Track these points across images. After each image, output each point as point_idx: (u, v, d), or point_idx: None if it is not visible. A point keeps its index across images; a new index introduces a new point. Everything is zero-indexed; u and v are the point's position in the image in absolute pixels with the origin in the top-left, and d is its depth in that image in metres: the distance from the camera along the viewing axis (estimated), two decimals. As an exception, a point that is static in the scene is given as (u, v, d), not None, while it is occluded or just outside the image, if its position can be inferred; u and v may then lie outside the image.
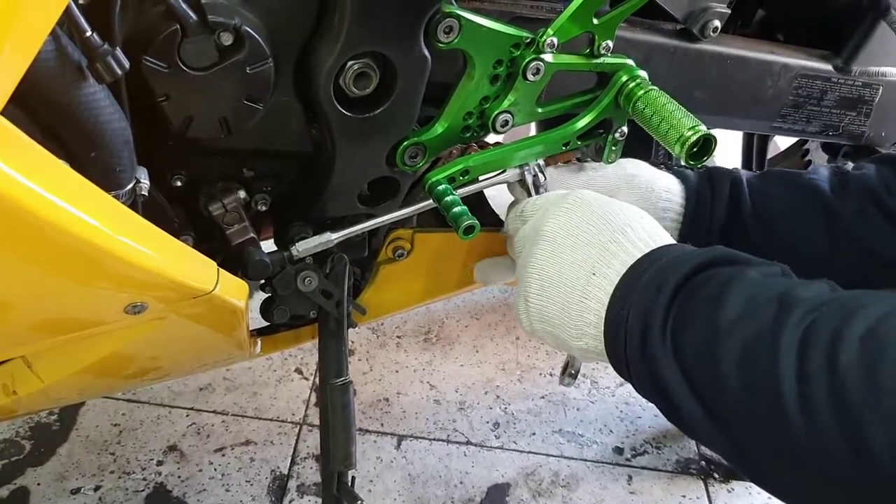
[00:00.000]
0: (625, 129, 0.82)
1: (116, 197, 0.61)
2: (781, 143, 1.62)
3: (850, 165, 0.87)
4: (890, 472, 0.42)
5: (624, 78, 0.78)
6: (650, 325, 0.55)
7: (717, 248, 0.59)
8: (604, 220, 0.65)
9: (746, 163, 1.44)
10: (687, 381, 0.53)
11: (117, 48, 0.53)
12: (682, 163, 0.76)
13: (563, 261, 0.65)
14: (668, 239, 0.64)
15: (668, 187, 0.85)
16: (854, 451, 0.44)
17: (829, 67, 1.02)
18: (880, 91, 1.05)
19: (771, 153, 1.51)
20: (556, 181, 0.84)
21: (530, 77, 0.74)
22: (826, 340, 0.46)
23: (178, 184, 0.76)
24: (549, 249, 0.66)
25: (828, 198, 0.82)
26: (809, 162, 1.38)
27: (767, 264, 0.58)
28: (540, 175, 0.82)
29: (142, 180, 0.65)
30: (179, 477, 1.29)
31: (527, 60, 0.73)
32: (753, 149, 1.42)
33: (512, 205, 0.84)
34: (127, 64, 0.54)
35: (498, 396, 1.51)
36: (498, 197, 0.91)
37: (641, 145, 1.13)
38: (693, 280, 0.56)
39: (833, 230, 0.80)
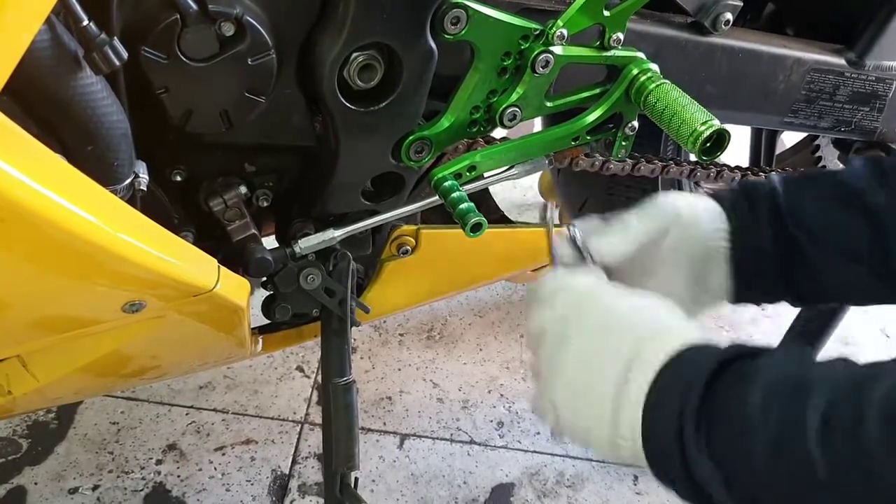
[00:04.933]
0: (635, 123, 0.81)
1: (114, 192, 0.60)
2: (788, 139, 1.61)
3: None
4: None
5: (635, 71, 0.77)
6: (685, 432, 0.56)
7: (733, 346, 0.60)
8: (627, 330, 0.64)
9: (755, 158, 1.43)
10: (722, 477, 0.54)
11: (115, 38, 0.52)
12: (694, 157, 0.74)
13: (591, 374, 0.64)
14: (685, 335, 0.63)
15: (711, 216, 0.78)
16: None
17: (842, 62, 1.00)
18: (894, 86, 1.04)
19: (778, 149, 1.49)
20: (599, 241, 0.76)
21: (539, 70, 0.73)
22: (847, 420, 0.48)
23: (178, 179, 0.74)
24: (576, 360, 0.65)
25: (867, 199, 0.77)
26: (820, 158, 1.37)
27: (783, 351, 0.58)
28: (579, 237, 0.73)
29: (140, 175, 0.63)
30: (179, 476, 1.28)
31: (535, 53, 0.72)
32: (762, 144, 1.41)
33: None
34: (125, 54, 0.53)
35: (502, 395, 1.50)
36: (502, 193, 0.90)
37: (650, 140, 1.11)
38: (716, 383, 0.57)
39: (876, 228, 0.77)
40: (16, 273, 0.51)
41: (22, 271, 0.51)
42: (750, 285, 0.77)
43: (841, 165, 1.38)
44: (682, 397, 0.57)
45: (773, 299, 0.79)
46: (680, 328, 0.65)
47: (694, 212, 0.78)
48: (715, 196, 0.80)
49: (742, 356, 0.58)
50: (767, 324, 1.74)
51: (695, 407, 0.56)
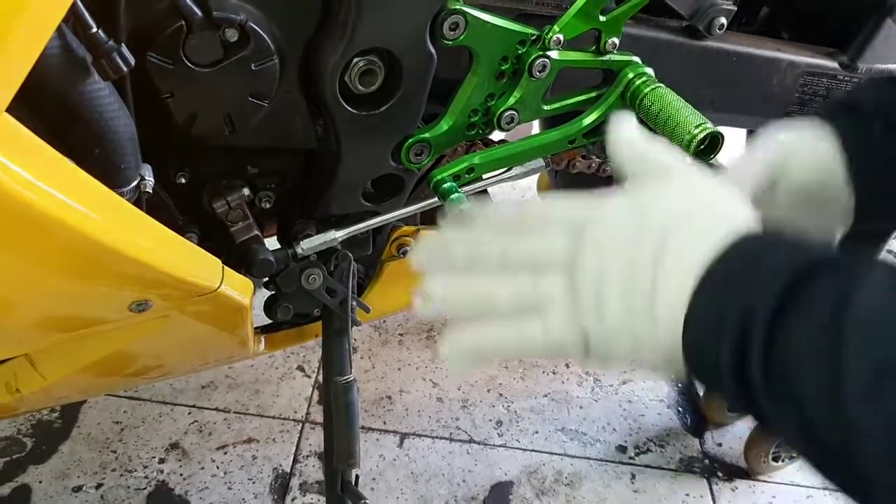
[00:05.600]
0: (631, 126, 0.82)
1: (121, 194, 0.61)
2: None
3: None
4: None
5: (630, 75, 0.78)
6: (747, 363, 0.43)
7: (818, 252, 0.45)
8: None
9: (750, 161, 1.44)
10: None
11: (122, 45, 0.53)
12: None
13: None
14: (743, 224, 0.48)
15: (824, 146, 0.66)
16: None
17: (834, 65, 1.02)
18: (886, 89, 1.05)
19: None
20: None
21: (536, 74, 0.74)
22: None
23: (183, 181, 0.75)
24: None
25: None
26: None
27: (873, 271, 0.43)
28: None
29: (146, 177, 0.64)
30: (181, 475, 1.29)
31: (533, 57, 0.73)
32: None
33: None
34: (132, 60, 0.54)
35: (501, 394, 1.51)
36: (501, 195, 0.91)
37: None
38: (792, 301, 0.42)
39: None
40: (26, 273, 0.52)
41: (32, 272, 0.52)
42: (877, 210, 0.67)
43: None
44: (744, 317, 0.42)
45: None
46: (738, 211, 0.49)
47: (807, 145, 0.66)
48: (818, 120, 0.67)
49: (817, 275, 0.43)
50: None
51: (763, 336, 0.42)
